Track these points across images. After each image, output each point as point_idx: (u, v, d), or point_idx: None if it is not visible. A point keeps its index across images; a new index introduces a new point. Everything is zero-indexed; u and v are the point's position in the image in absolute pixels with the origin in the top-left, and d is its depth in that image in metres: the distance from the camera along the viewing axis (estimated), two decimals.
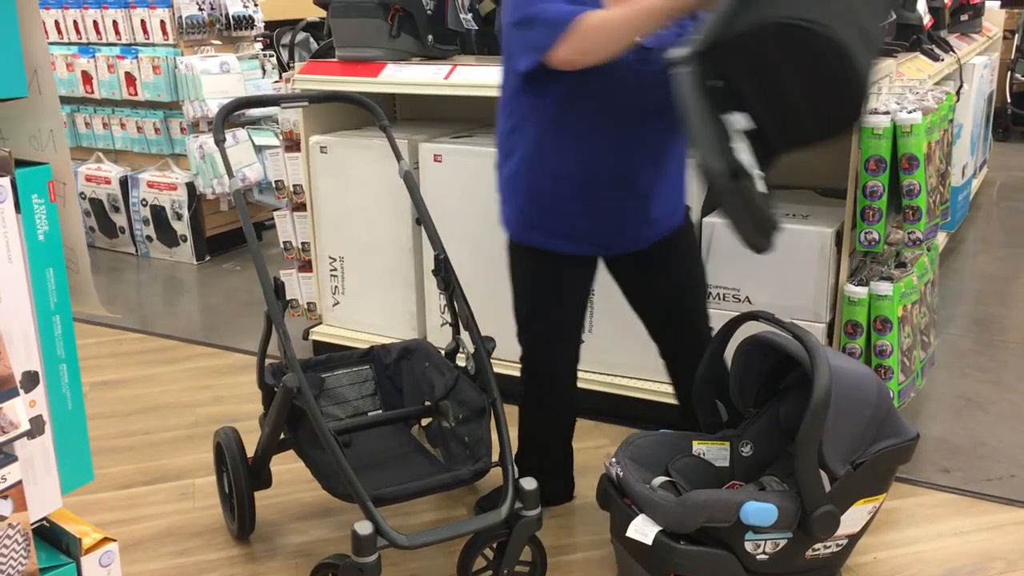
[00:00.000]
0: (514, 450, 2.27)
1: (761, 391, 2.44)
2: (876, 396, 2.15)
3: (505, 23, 2.19)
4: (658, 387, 3.04)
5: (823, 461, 2.07)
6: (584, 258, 2.42)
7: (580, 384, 2.69)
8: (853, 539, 2.23)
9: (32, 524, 1.27)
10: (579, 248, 2.37)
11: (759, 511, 2.05)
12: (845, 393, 2.08)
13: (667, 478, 2.28)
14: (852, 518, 2.16)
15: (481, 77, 3.17)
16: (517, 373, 3.24)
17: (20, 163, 1.27)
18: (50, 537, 1.40)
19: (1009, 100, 7.95)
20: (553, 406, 2.60)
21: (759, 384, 2.42)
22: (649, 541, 2.05)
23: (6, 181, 1.20)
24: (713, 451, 2.40)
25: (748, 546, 2.09)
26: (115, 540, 1.39)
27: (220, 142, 2.38)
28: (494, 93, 3.13)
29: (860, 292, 2.74)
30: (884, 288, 2.73)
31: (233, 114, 2.51)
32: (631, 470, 2.19)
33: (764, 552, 2.11)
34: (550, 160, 2.26)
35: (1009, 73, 7.95)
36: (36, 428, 1.28)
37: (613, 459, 2.23)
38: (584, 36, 1.99)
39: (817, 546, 2.16)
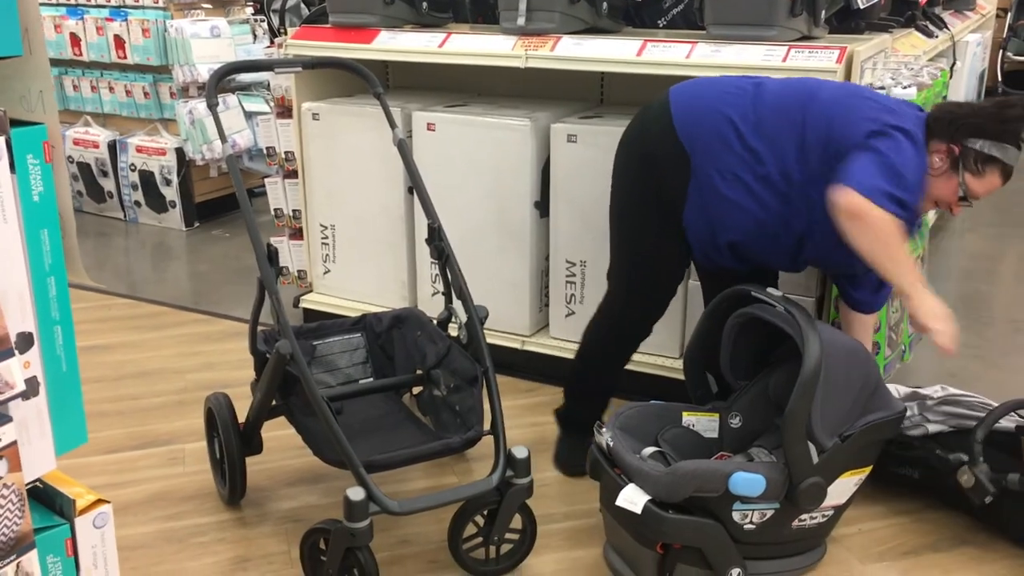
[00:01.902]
0: (505, 419, 2.28)
1: (751, 364, 2.45)
2: (865, 370, 2.17)
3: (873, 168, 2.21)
4: (649, 359, 3.06)
5: (811, 433, 2.09)
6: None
7: (565, 355, 2.71)
8: (839, 510, 2.26)
9: (26, 485, 1.27)
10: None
11: (747, 481, 2.07)
12: (835, 366, 2.09)
13: (657, 448, 2.30)
14: (838, 490, 2.18)
15: (475, 46, 3.15)
16: (509, 343, 3.26)
17: (14, 123, 1.25)
18: (44, 498, 1.40)
19: (1000, 79, 7.95)
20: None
21: (749, 357, 2.44)
22: (638, 510, 2.07)
23: (1, 141, 1.19)
24: (702, 422, 2.42)
25: (736, 516, 2.12)
26: (109, 502, 1.40)
27: (213, 106, 2.36)
28: (488, 62, 3.13)
29: None
30: None
31: (224, 79, 2.48)
32: (621, 440, 2.21)
33: (751, 522, 2.14)
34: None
35: (1001, 52, 7.94)
36: (31, 389, 1.28)
37: (604, 429, 2.25)
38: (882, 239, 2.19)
39: (803, 516, 2.19)
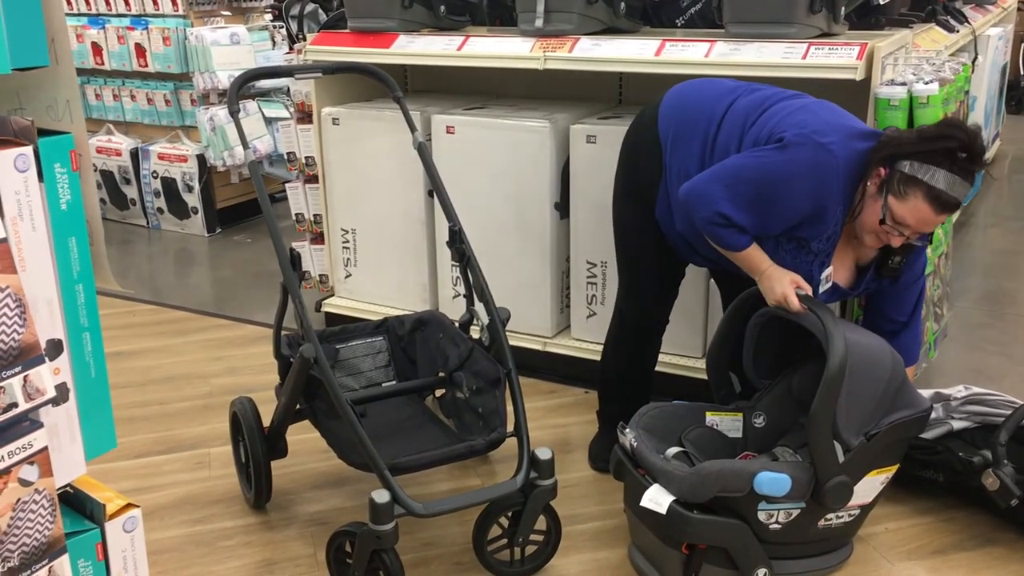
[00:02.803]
0: (528, 421, 2.28)
1: (774, 363, 2.44)
2: (890, 368, 2.16)
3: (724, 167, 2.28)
4: (672, 359, 3.05)
5: (837, 432, 2.08)
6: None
7: (592, 357, 2.72)
8: (865, 509, 2.24)
9: (57, 490, 1.29)
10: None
11: (773, 481, 2.06)
12: (859, 365, 2.08)
13: (680, 448, 2.30)
14: (865, 488, 2.17)
15: (493, 48, 3.15)
16: (530, 344, 3.27)
17: (41, 132, 1.27)
18: (74, 503, 1.42)
19: (1023, 72, 7.88)
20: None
21: (772, 356, 2.43)
22: (663, 510, 2.07)
23: (29, 150, 1.21)
24: (726, 422, 2.42)
25: (761, 516, 2.11)
26: (138, 506, 1.41)
27: (234, 112, 2.38)
28: (506, 64, 3.14)
29: None
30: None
31: (246, 85, 2.50)
32: (645, 440, 2.21)
33: (777, 522, 2.13)
34: None
35: (1023, 45, 7.87)
36: (61, 395, 1.30)
37: (627, 429, 2.25)
38: (725, 252, 2.29)
39: (830, 516, 2.18)
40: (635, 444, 2.20)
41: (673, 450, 2.28)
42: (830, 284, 2.33)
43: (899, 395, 2.18)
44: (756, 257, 2.26)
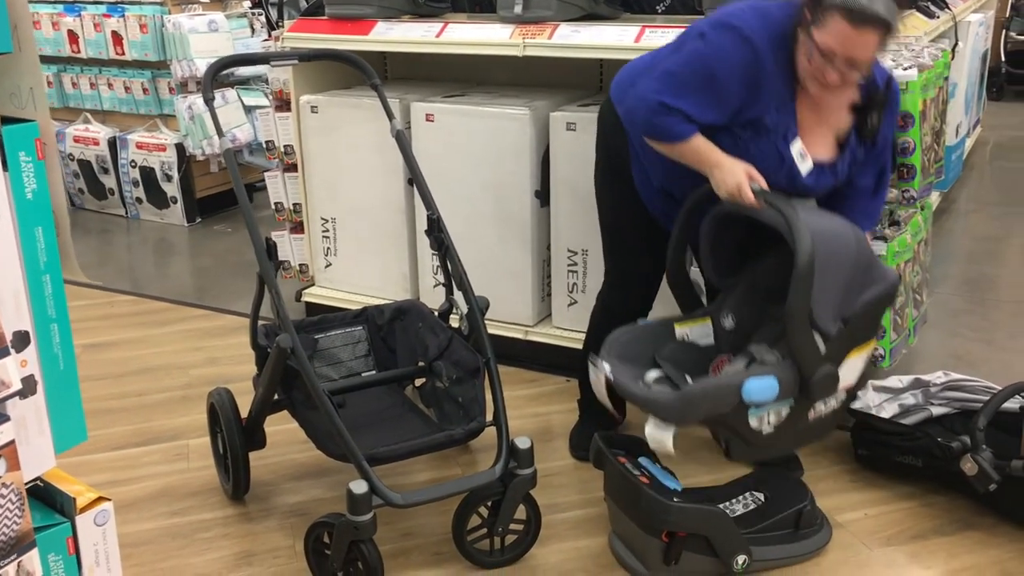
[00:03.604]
0: (509, 410, 2.27)
1: (735, 260, 2.35)
2: (856, 249, 2.09)
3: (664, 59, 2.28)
4: None
5: (815, 324, 2.01)
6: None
7: (574, 345, 2.72)
8: (852, 391, 2.18)
9: (26, 484, 1.27)
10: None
11: (761, 388, 1.99)
12: (827, 253, 2.00)
13: (659, 371, 2.22)
14: (848, 371, 2.10)
15: (473, 35, 3.13)
16: (511, 333, 3.26)
17: (5, 120, 1.25)
18: (45, 497, 1.40)
19: (1004, 59, 7.91)
20: None
21: (732, 253, 2.34)
22: (670, 446, 2.00)
23: None
24: (696, 331, 2.33)
25: (753, 422, 2.03)
26: (110, 500, 1.39)
27: (209, 101, 2.35)
28: (486, 51, 3.12)
29: None
30: (878, 247, 2.72)
31: (222, 73, 2.47)
32: (621, 370, 2.12)
33: (769, 424, 2.05)
34: None
35: (1004, 31, 7.89)
36: (28, 388, 1.28)
37: (600, 362, 2.16)
38: (674, 150, 2.25)
39: (819, 406, 2.11)
40: (612, 376, 2.12)
41: (652, 374, 2.20)
42: (810, 161, 2.26)
43: (868, 273, 2.10)
44: (705, 148, 2.20)
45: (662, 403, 2.04)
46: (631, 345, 2.26)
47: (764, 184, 2.16)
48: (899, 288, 2.18)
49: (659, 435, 2.03)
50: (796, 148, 2.24)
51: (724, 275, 2.36)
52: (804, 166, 2.25)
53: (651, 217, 2.50)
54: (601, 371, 2.16)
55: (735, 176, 2.16)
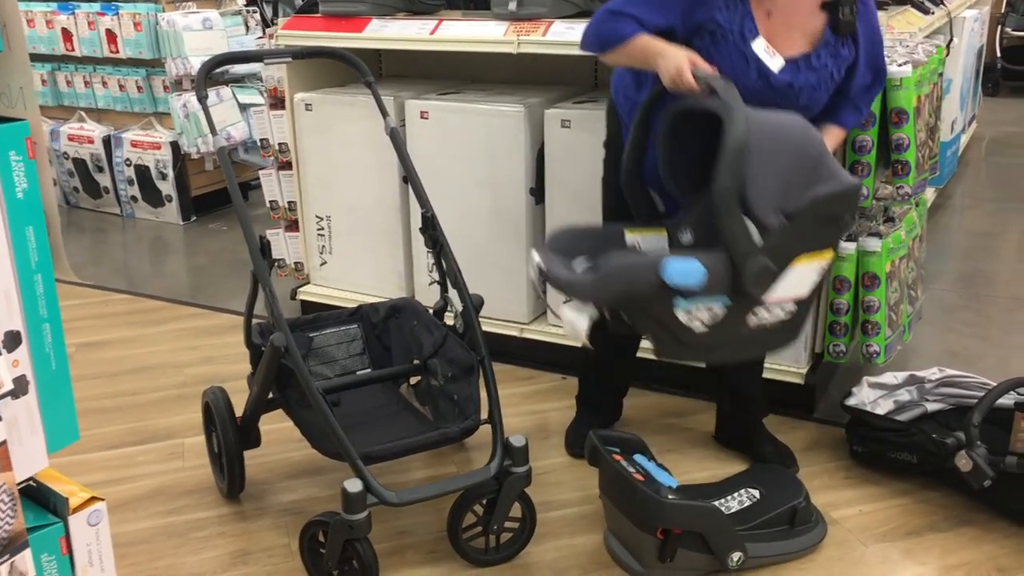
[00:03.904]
0: (505, 407, 2.28)
1: (697, 174, 2.17)
2: (802, 138, 1.99)
3: None
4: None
5: (750, 211, 1.89)
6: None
7: (570, 343, 2.75)
8: (803, 304, 2.01)
9: (18, 484, 1.26)
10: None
11: (683, 270, 1.85)
12: (765, 136, 1.91)
13: (591, 262, 2.10)
14: (796, 279, 1.95)
15: (467, 32, 3.13)
16: (507, 331, 3.26)
17: None
18: (37, 497, 1.40)
19: (999, 55, 7.92)
20: None
21: (693, 166, 2.19)
22: (583, 327, 1.90)
23: None
24: (648, 240, 2.17)
25: (681, 316, 1.90)
26: (103, 499, 1.39)
27: (203, 99, 2.34)
28: (480, 48, 3.11)
29: (848, 247, 2.74)
30: (872, 244, 2.72)
31: (216, 71, 2.47)
32: (554, 260, 2.01)
33: (701, 323, 1.91)
34: None
35: (999, 27, 7.90)
36: (20, 388, 1.27)
37: (534, 251, 2.06)
38: (624, 54, 2.22)
39: (759, 311, 1.95)
40: (542, 264, 2.00)
41: (582, 263, 2.07)
42: (780, 58, 2.18)
43: (818, 168, 1.95)
44: (651, 42, 2.14)
45: (578, 282, 1.94)
46: (573, 242, 2.14)
47: (709, 70, 2.06)
48: (859, 195, 2.01)
49: (573, 317, 1.94)
50: (759, 46, 2.17)
51: (684, 189, 2.23)
52: (774, 63, 2.18)
53: (650, 197, 2.42)
54: (533, 262, 2.03)
55: (676, 60, 2.07)
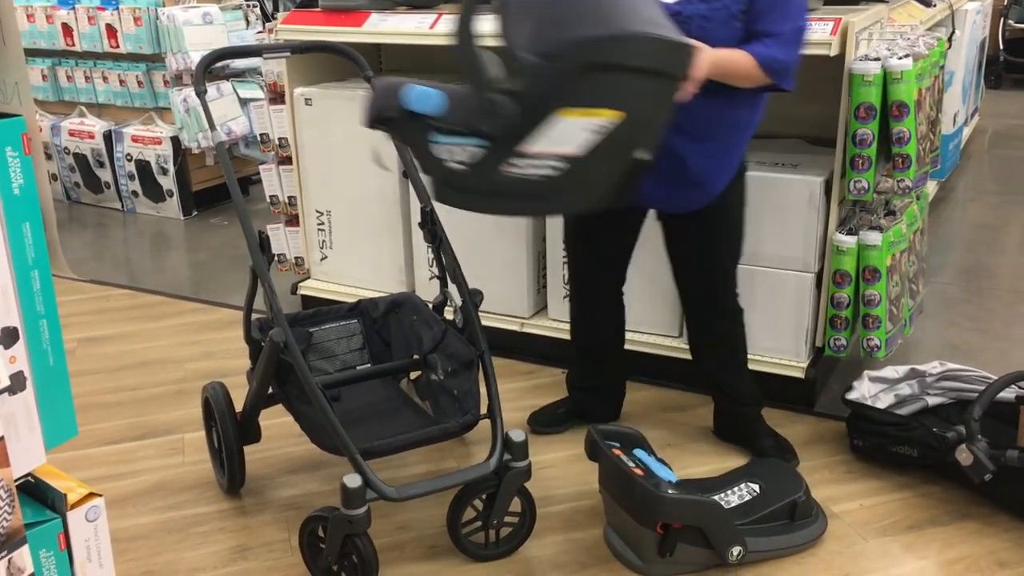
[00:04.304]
0: (505, 402, 2.28)
1: None
2: None
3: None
4: (650, 339, 3.04)
5: (508, 48, 1.79)
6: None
7: (564, 336, 2.81)
8: (574, 163, 1.85)
9: (16, 480, 1.26)
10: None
11: (421, 95, 1.81)
12: None
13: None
14: (560, 133, 1.81)
15: None
16: (507, 325, 3.26)
17: None
18: (36, 493, 1.40)
19: (1002, 47, 7.89)
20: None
21: None
22: (379, 154, 1.91)
23: None
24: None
25: (440, 153, 1.85)
26: (101, 495, 1.39)
27: (201, 94, 2.34)
28: (480, 43, 3.09)
29: (849, 241, 2.74)
30: (873, 238, 2.72)
31: (216, 66, 2.47)
32: (383, 87, 1.93)
33: (459, 161, 1.85)
34: None
35: (1002, 19, 7.88)
36: (17, 384, 1.27)
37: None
38: None
39: (516, 161, 1.84)
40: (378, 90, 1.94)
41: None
42: None
43: (595, 10, 1.80)
44: None
45: (364, 99, 1.90)
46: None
47: None
48: (636, 39, 1.77)
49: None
50: None
51: None
52: None
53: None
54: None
55: None
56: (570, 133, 1.80)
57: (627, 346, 2.79)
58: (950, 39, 4.16)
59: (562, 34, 1.77)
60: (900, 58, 2.59)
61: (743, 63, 2.19)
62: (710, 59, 2.10)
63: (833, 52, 2.56)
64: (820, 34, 2.57)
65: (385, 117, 1.88)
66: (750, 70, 2.19)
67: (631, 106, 1.80)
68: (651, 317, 2.84)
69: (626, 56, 1.78)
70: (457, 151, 1.85)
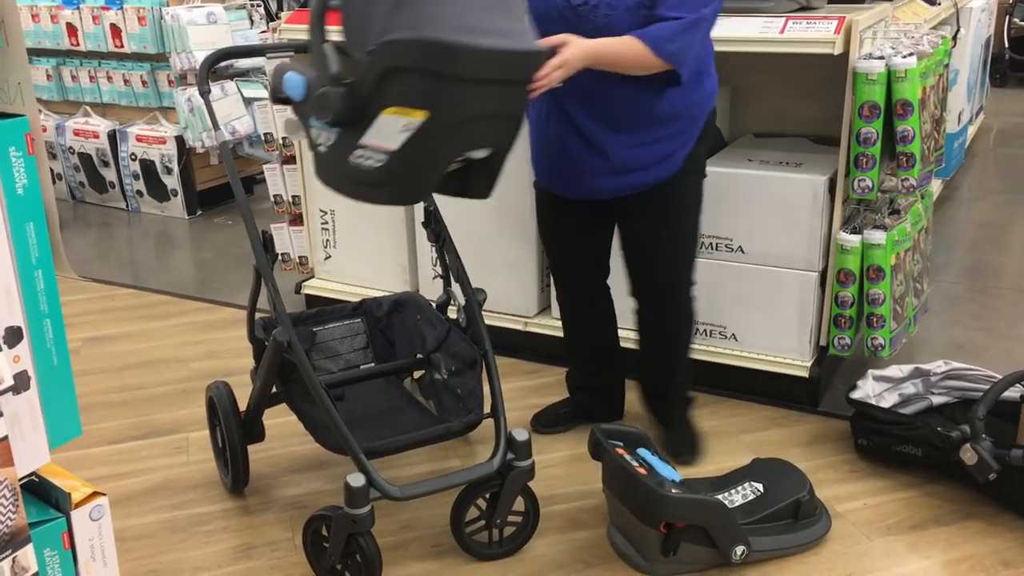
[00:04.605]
0: (509, 401, 2.28)
1: None
2: None
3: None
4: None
5: (347, 43, 1.91)
6: (557, 196, 2.54)
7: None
8: (393, 158, 1.92)
9: (20, 480, 1.27)
10: (551, 188, 2.54)
11: (291, 81, 1.97)
12: None
13: None
14: (380, 128, 1.90)
15: None
16: (511, 324, 3.26)
17: None
18: (40, 492, 1.40)
19: (1007, 45, 7.88)
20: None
21: None
22: (293, 128, 2.04)
23: None
24: None
25: (314, 134, 2.00)
26: (105, 494, 1.39)
27: (205, 93, 2.34)
28: None
29: (853, 240, 2.73)
30: (877, 237, 2.72)
31: (220, 65, 2.46)
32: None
33: (324, 145, 1.99)
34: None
35: (1007, 18, 7.86)
36: (21, 383, 1.27)
37: None
38: None
39: (357, 151, 1.94)
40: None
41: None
42: None
43: (401, 11, 1.83)
44: None
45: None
46: None
47: None
48: (443, 45, 1.82)
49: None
50: None
51: None
52: None
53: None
54: None
55: None
56: (389, 129, 1.89)
57: (631, 345, 2.79)
58: (955, 37, 4.15)
59: (381, 33, 1.84)
60: (904, 56, 2.58)
61: (628, 48, 2.16)
62: (583, 51, 2.12)
63: (837, 51, 2.55)
64: (824, 33, 2.57)
65: (278, 98, 2.02)
66: (638, 54, 2.16)
67: (438, 108, 1.86)
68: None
69: (422, 60, 1.83)
70: (323, 135, 1.97)
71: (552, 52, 2.07)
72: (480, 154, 2.04)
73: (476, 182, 2.11)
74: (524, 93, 2.01)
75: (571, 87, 2.21)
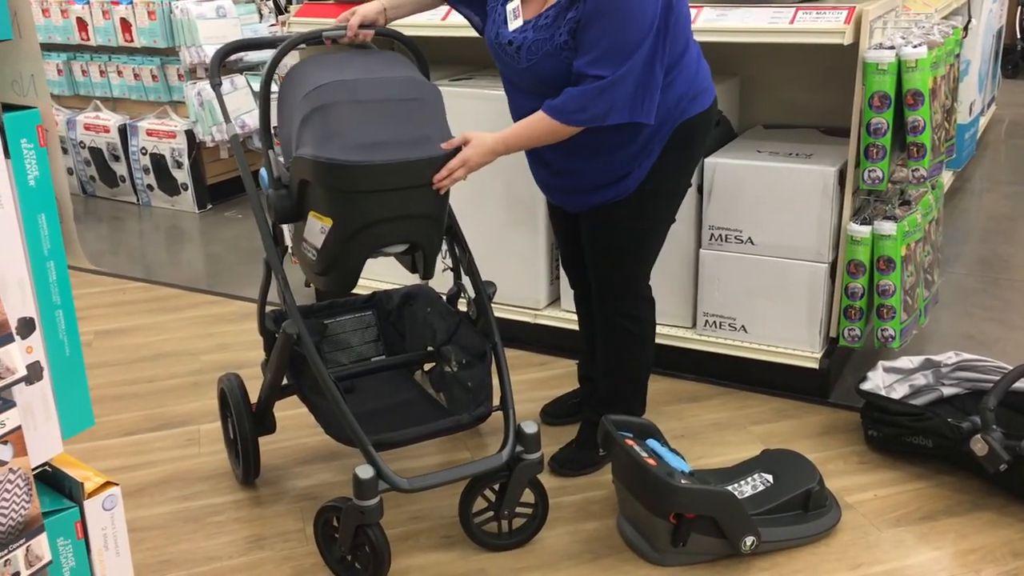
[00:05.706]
0: (518, 393, 2.28)
1: None
2: (302, 97, 2.06)
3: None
4: (662, 330, 3.03)
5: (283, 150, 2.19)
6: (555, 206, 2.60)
7: (577, 327, 2.83)
8: (320, 255, 2.13)
9: (33, 469, 1.28)
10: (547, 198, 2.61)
11: (261, 176, 2.25)
12: (290, 80, 2.18)
13: None
14: (311, 228, 2.13)
15: None
16: (521, 317, 3.26)
17: (6, 107, 1.25)
18: (53, 482, 1.41)
19: (1019, 36, 7.82)
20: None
21: None
22: None
23: None
24: None
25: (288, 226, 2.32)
26: (117, 484, 1.40)
27: (216, 86, 2.35)
28: None
29: (863, 231, 2.72)
30: (887, 228, 2.71)
31: (230, 59, 2.47)
32: None
33: (290, 233, 2.29)
34: None
35: (1020, 8, 7.81)
36: (34, 374, 1.29)
37: None
38: None
39: (303, 244, 2.20)
40: None
41: None
42: (520, 19, 2.21)
43: (308, 131, 2.03)
44: None
45: None
46: None
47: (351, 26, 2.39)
48: (351, 171, 2.01)
49: None
50: (511, 6, 2.24)
51: None
52: (515, 24, 2.22)
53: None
54: None
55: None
56: (313, 229, 2.13)
57: None
58: (966, 27, 4.13)
59: (296, 148, 2.08)
60: (915, 46, 2.57)
61: (539, 127, 2.16)
62: (487, 148, 2.17)
63: (847, 41, 2.54)
64: (833, 23, 2.56)
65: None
66: (551, 130, 2.14)
67: (340, 215, 2.07)
68: (663, 308, 2.83)
69: (322, 177, 2.04)
70: (287, 227, 2.26)
71: (455, 152, 2.12)
72: (398, 249, 2.20)
73: (417, 265, 2.28)
74: (432, 194, 2.12)
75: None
